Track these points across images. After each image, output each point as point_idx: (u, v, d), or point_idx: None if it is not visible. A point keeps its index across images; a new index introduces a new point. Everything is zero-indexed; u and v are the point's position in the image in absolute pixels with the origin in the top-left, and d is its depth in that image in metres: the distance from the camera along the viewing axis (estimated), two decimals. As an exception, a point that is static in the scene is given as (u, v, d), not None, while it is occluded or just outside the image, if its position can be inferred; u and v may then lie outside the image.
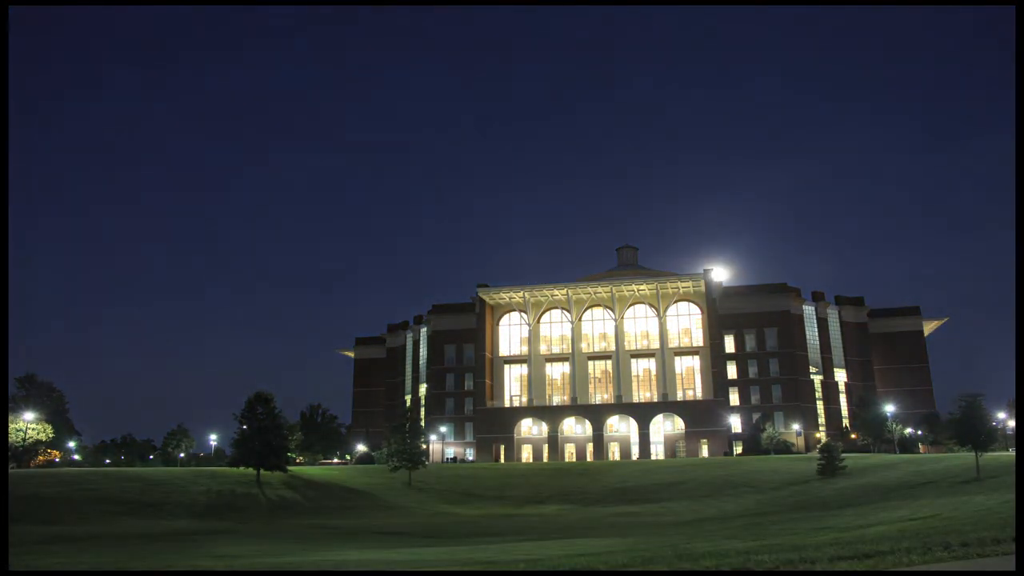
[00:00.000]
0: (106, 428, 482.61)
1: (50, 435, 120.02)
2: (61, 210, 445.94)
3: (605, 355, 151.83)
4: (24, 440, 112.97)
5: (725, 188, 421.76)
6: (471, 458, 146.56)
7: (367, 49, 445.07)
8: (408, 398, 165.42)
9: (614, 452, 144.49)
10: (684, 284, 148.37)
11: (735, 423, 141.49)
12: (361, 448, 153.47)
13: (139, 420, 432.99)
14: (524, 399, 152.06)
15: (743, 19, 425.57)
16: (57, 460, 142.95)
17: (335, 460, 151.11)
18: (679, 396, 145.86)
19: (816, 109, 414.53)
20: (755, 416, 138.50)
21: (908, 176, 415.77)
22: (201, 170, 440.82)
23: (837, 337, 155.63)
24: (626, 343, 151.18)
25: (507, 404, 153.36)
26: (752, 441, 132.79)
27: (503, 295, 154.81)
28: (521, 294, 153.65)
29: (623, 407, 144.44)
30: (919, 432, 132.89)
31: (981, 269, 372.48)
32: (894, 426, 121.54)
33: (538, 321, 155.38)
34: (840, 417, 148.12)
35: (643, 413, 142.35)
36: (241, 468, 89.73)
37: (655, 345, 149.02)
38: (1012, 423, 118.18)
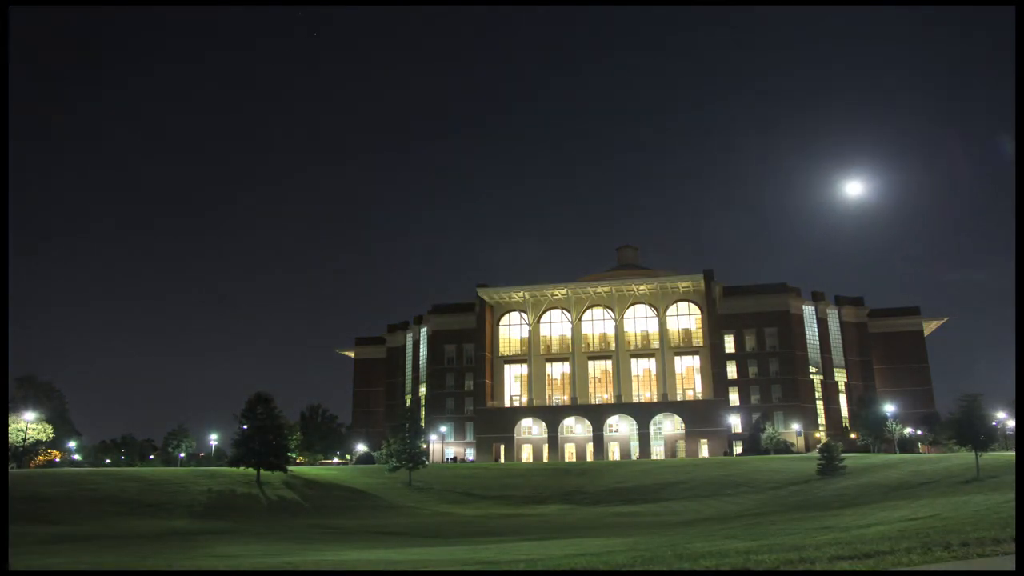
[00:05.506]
0: (106, 428, 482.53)
1: (50, 435, 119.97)
2: (61, 209, 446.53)
3: (605, 355, 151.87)
4: (24, 440, 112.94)
5: (725, 188, 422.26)
6: (471, 458, 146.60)
7: (363, 48, 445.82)
8: (408, 398, 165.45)
9: (614, 452, 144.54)
10: (684, 284, 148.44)
11: (735, 423, 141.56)
12: (361, 448, 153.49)
13: (139, 420, 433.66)
14: (524, 399, 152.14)
15: (741, 22, 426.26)
16: (57, 460, 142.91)
17: (335, 460, 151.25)
18: (679, 396, 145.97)
19: (817, 108, 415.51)
20: (755, 416, 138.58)
21: (908, 175, 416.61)
22: (199, 172, 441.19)
23: (837, 337, 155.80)
24: (626, 343, 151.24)
25: (507, 404, 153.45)
26: (752, 441, 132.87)
27: (503, 295, 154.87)
28: (521, 294, 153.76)
29: (623, 407, 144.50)
30: (919, 432, 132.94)
31: (981, 269, 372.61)
32: (894, 426, 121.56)
33: (538, 321, 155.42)
34: (840, 417, 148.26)
35: (643, 413, 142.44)
36: (241, 468, 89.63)
37: (655, 345, 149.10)
38: (1012, 423, 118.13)
